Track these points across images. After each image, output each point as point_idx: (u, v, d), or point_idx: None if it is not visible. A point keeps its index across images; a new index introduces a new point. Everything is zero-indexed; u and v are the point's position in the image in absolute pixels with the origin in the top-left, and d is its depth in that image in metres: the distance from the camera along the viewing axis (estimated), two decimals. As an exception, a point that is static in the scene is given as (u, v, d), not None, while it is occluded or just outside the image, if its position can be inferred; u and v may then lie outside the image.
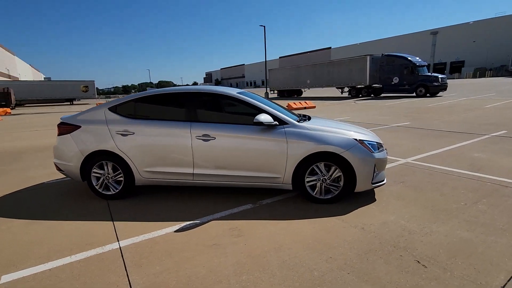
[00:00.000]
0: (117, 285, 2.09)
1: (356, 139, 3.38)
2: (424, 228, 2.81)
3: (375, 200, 3.55)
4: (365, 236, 2.70)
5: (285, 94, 36.67)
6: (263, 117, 3.29)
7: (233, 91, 3.72)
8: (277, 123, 3.43)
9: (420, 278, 2.09)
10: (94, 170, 3.72)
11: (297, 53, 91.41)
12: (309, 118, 4.22)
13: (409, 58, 23.40)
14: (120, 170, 3.67)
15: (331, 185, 3.43)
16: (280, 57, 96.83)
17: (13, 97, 31.27)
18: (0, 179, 4.94)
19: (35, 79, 77.77)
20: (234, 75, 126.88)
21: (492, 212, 3.09)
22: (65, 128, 3.78)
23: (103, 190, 3.77)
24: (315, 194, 3.46)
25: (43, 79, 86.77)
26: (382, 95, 27.06)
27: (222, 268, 2.26)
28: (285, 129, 3.43)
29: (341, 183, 3.38)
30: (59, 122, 3.88)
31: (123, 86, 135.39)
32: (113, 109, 3.75)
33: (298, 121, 3.66)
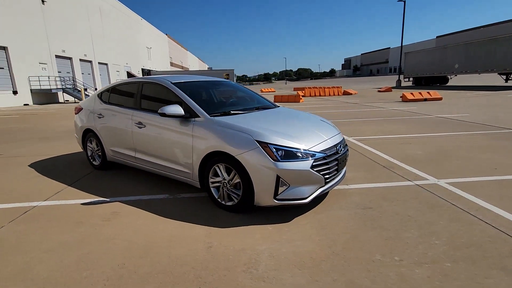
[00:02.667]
0: (-14, 231, 2.73)
1: (258, 141, 2.72)
2: (273, 272, 2.05)
3: (288, 221, 2.78)
4: (195, 256, 2.26)
5: (422, 82, 30.48)
6: (169, 108, 3.15)
7: (167, 80, 3.68)
8: (189, 115, 3.20)
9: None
10: (88, 144, 4.66)
11: (463, 30, 71.98)
12: (272, 107, 3.97)
13: None
14: (99, 146, 4.43)
15: (232, 191, 2.94)
16: (437, 37, 79.49)
17: (175, 83, 40.47)
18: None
19: (200, 69, 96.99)
20: (376, 61, 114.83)
21: (410, 276, 1.86)
22: (77, 109, 4.87)
23: (93, 161, 4.67)
24: (219, 197, 3.07)
25: (206, 69, 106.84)
26: None
27: (36, 245, 2.50)
28: (194, 122, 3.16)
29: (241, 191, 2.85)
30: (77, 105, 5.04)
31: (265, 74, 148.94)
32: (99, 96, 4.51)
33: (222, 114, 3.27)
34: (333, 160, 2.96)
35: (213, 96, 4.01)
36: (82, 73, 28.69)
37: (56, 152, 5.93)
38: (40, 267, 2.17)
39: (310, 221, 2.78)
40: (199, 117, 3.18)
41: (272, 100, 19.58)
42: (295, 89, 29.77)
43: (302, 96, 23.58)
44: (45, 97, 22.85)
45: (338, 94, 23.94)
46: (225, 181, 2.95)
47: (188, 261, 2.20)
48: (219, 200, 3.06)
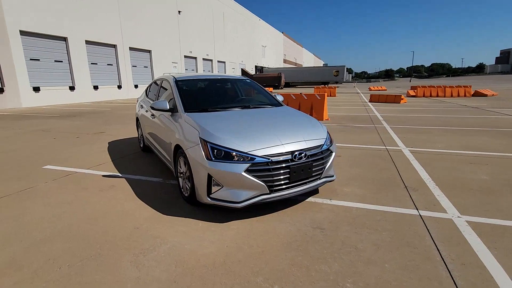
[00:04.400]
0: (33, 182, 3.86)
1: (201, 138, 2.77)
2: (153, 262, 2.15)
3: (222, 222, 2.74)
4: (118, 232, 2.58)
5: None
6: (157, 103, 3.55)
7: (173, 77, 4.06)
8: (173, 110, 3.52)
9: None
10: (138, 129, 5.69)
11: None
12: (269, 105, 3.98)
13: None
14: (141, 132, 5.36)
15: (187, 183, 3.11)
16: None
17: (283, 80, 41.74)
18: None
19: (315, 65, 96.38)
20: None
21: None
22: (137, 100, 5.97)
23: (140, 143, 5.68)
24: (182, 187, 3.28)
25: (321, 65, 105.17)
26: None
27: (46, 199, 3.36)
28: (174, 116, 3.46)
29: (190, 184, 2.99)
30: (139, 97, 6.17)
31: (386, 70, 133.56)
32: (146, 90, 5.41)
33: (200, 111, 3.44)
34: (283, 168, 2.69)
35: (208, 93, 4.19)
36: (204, 70, 33.55)
37: (134, 134, 7.44)
38: (30, 215, 2.97)
39: (242, 226, 2.66)
40: (178, 112, 3.46)
41: (368, 99, 17.77)
42: (412, 87, 25.89)
43: (413, 96, 20.35)
44: (173, 90, 28.10)
45: (465, 95, 19.40)
46: (184, 172, 3.14)
47: (108, 234, 2.55)
48: (182, 189, 3.28)
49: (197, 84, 4.16)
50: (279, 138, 2.85)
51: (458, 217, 2.75)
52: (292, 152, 2.76)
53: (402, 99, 15.54)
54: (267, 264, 2.11)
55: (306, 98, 9.80)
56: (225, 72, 38.56)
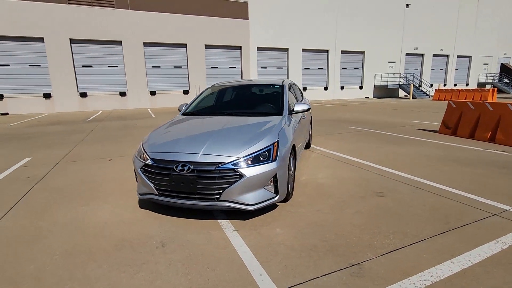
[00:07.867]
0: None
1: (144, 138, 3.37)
2: (83, 231, 3.16)
3: (141, 207, 3.22)
4: (97, 179, 3.80)
5: None
6: (181, 106, 4.35)
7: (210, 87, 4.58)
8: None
9: None
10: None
11: None
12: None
13: None
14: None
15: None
16: None
17: None
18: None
19: None
20: None
21: None
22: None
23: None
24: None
25: None
26: None
27: (105, 174, 5.19)
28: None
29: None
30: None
31: None
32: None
33: (191, 114, 3.92)
34: (163, 175, 2.73)
35: (216, 99, 4.31)
36: (433, 69, 28.22)
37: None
38: (95, 170, 4.89)
39: (138, 216, 3.00)
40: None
41: None
42: None
43: None
44: (384, 91, 26.18)
45: None
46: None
47: (96, 191, 3.82)
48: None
49: (218, 91, 4.48)
50: (182, 146, 2.85)
51: None
52: (175, 162, 2.69)
53: None
54: (76, 248, 2.49)
55: (491, 109, 6.39)
56: (468, 70, 30.19)
